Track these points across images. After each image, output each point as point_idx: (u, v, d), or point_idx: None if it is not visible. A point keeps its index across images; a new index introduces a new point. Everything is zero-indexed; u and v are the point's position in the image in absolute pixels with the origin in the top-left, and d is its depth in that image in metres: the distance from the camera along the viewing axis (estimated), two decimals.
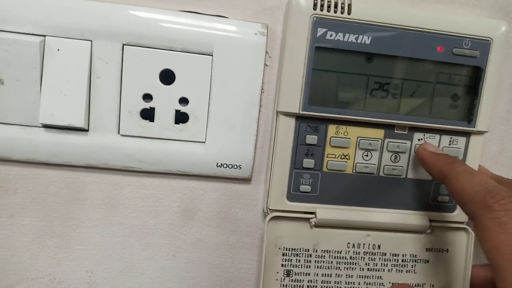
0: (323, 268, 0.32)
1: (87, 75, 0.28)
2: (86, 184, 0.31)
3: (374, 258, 0.32)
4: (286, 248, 0.31)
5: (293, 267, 0.32)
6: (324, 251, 0.32)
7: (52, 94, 0.28)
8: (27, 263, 0.32)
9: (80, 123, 0.28)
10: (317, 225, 0.31)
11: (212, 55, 0.29)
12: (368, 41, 0.28)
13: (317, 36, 0.28)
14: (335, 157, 0.30)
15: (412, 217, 0.32)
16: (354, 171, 0.31)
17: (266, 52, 0.30)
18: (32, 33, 0.27)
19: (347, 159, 0.31)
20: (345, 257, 0.32)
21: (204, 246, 0.33)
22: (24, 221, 0.31)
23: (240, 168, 0.31)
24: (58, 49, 0.28)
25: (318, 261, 0.32)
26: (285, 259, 0.31)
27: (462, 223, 0.33)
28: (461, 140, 0.31)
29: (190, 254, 0.33)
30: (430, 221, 0.32)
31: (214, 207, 0.32)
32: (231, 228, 0.33)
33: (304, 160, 0.30)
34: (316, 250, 0.32)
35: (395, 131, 0.31)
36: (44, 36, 0.28)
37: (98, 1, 0.28)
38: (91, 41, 0.28)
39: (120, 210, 0.32)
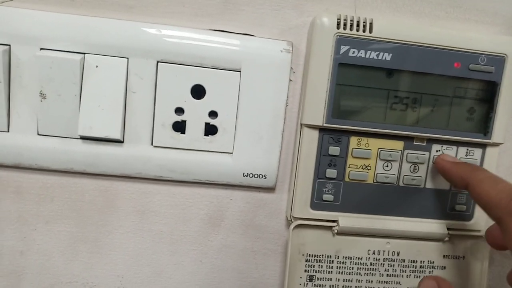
0: (344, 273, 0.33)
1: (124, 90, 0.30)
2: (119, 192, 0.33)
3: (393, 265, 0.34)
4: (309, 255, 0.33)
5: (315, 272, 0.33)
6: (346, 257, 0.33)
7: (91, 108, 0.30)
8: (62, 267, 0.34)
9: (116, 135, 0.30)
10: (339, 233, 0.32)
11: (240, 71, 0.31)
12: (388, 58, 0.30)
13: (340, 53, 0.30)
14: (356, 168, 0.32)
15: (430, 226, 0.33)
16: (375, 181, 0.32)
17: (291, 68, 0.31)
18: (73, 51, 0.29)
19: (368, 169, 0.32)
20: (366, 263, 0.33)
21: (230, 252, 0.34)
22: (60, 227, 0.33)
23: (266, 177, 0.32)
24: (97, 66, 0.29)
25: (340, 267, 0.33)
26: (308, 264, 0.33)
27: (478, 231, 0.34)
28: (477, 152, 0.33)
29: (216, 260, 0.34)
30: (448, 229, 0.33)
31: (239, 214, 0.34)
32: (255, 235, 0.34)
33: (327, 170, 0.32)
34: (338, 256, 0.33)
35: (414, 143, 0.32)
36: (84, 53, 0.29)
37: (134, 21, 0.30)
38: (128, 58, 0.30)
39: (151, 217, 0.33)
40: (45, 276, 0.34)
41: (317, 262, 0.33)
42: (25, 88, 0.30)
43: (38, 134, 0.30)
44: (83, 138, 0.31)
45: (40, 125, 0.30)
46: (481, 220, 0.34)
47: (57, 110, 0.30)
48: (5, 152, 0.30)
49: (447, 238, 0.33)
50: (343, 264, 0.33)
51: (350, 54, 0.30)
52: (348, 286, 0.33)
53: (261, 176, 0.32)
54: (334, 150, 0.31)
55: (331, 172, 0.32)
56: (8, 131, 0.30)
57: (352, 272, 0.33)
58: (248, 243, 0.34)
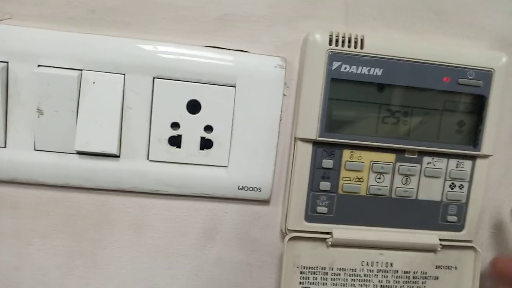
0: (338, 285, 0.34)
1: (120, 106, 0.30)
2: (115, 207, 0.33)
3: (387, 276, 0.34)
4: (304, 267, 0.33)
5: (310, 284, 0.33)
6: (340, 269, 0.33)
7: (87, 123, 0.30)
8: (58, 282, 0.34)
9: (113, 150, 0.30)
10: (333, 245, 0.33)
11: (235, 87, 0.31)
12: (379, 73, 0.31)
13: (333, 69, 0.30)
14: (350, 180, 0.32)
15: (422, 237, 0.34)
16: (368, 193, 0.33)
17: (285, 83, 0.32)
18: (70, 67, 0.30)
19: (361, 181, 0.33)
20: (360, 274, 0.34)
21: (225, 265, 0.35)
22: (56, 242, 0.33)
23: (260, 190, 0.33)
24: (94, 82, 0.30)
25: (334, 278, 0.33)
26: (303, 276, 0.33)
27: (470, 241, 0.34)
28: (467, 164, 0.33)
29: (212, 273, 0.35)
30: (440, 240, 0.34)
31: (234, 227, 0.34)
32: (250, 248, 0.35)
33: (321, 183, 0.32)
34: (332, 268, 0.33)
35: (406, 155, 0.33)
36: (81, 70, 0.30)
37: (131, 38, 0.30)
38: (124, 74, 0.30)
39: (147, 232, 0.33)
40: None
41: (311, 274, 0.33)
42: (22, 104, 0.30)
43: (35, 150, 0.31)
44: (80, 153, 0.31)
45: (37, 140, 0.30)
46: (472, 231, 0.34)
47: (54, 126, 0.30)
48: (2, 168, 0.31)
49: (439, 249, 0.34)
50: (337, 275, 0.33)
51: (342, 69, 0.30)
52: None
53: (256, 189, 0.33)
54: (327, 163, 0.32)
55: (325, 185, 0.32)
56: (5, 147, 0.30)
57: (346, 284, 0.34)
58: (243, 256, 0.35)
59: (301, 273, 0.33)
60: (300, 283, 0.33)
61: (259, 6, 0.31)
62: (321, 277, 0.33)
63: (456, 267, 0.35)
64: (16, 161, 0.31)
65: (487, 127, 0.33)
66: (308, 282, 0.33)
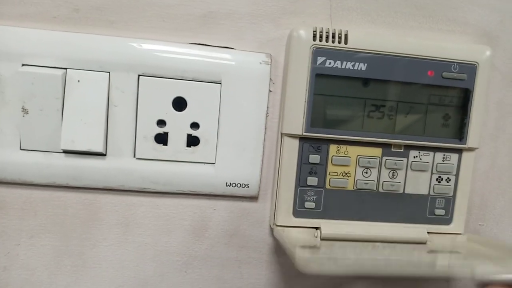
0: None
1: (105, 104, 0.30)
2: (102, 205, 0.33)
3: None
4: None
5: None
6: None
7: (73, 122, 0.30)
8: (46, 282, 0.33)
9: (99, 148, 0.30)
10: (322, 239, 0.33)
11: (220, 83, 0.31)
12: (364, 68, 0.31)
13: (317, 64, 0.30)
14: (337, 175, 0.33)
15: (410, 230, 0.34)
16: (355, 188, 0.33)
17: (270, 79, 0.32)
18: (55, 66, 0.30)
19: (348, 176, 0.33)
20: None
21: (214, 262, 0.35)
22: (43, 241, 0.33)
23: (248, 186, 0.33)
24: (79, 81, 0.30)
25: None
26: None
27: (458, 234, 0.35)
28: (454, 157, 0.33)
29: (201, 270, 0.35)
30: (428, 233, 0.34)
31: (223, 224, 0.34)
32: (239, 244, 0.35)
33: (308, 178, 0.32)
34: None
35: (392, 149, 0.33)
36: (66, 69, 0.30)
37: (115, 36, 0.30)
38: (109, 72, 0.30)
39: (135, 229, 0.33)
40: None
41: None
42: (7, 103, 0.30)
43: (20, 149, 0.31)
44: (66, 152, 0.31)
45: (22, 140, 0.30)
46: (461, 224, 0.35)
47: (40, 125, 0.30)
48: None
49: (428, 242, 0.34)
50: None
51: (327, 65, 0.31)
52: None
53: (243, 186, 0.33)
54: (314, 158, 0.32)
55: (312, 180, 0.32)
56: None
57: None
58: (233, 252, 0.35)
59: None
60: None
61: (243, 3, 0.31)
62: None
63: None
64: (2, 161, 0.30)
65: (473, 120, 0.33)
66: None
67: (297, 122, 0.31)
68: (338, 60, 0.31)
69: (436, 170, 0.34)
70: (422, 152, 0.33)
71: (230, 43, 0.32)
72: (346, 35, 0.31)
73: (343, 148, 0.32)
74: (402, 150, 0.33)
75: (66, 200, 0.32)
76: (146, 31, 0.31)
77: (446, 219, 0.35)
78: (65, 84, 0.30)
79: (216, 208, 0.34)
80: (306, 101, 0.31)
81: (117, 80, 0.30)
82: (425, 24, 0.34)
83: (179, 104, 0.31)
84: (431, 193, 0.34)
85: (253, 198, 0.34)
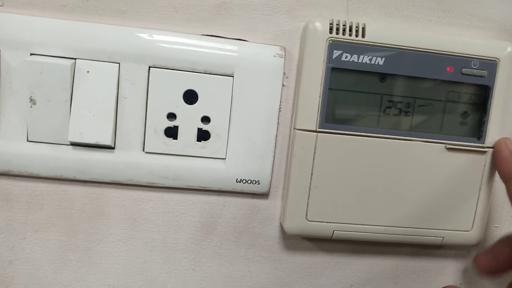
0: None
1: (115, 95, 0.30)
2: (110, 200, 0.32)
3: None
4: None
5: None
6: None
7: (81, 113, 0.29)
8: (51, 277, 0.33)
9: (107, 141, 0.29)
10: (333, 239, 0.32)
11: (233, 76, 0.30)
12: (381, 62, 0.30)
13: (333, 58, 0.29)
14: None
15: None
16: None
17: (284, 73, 0.31)
18: (64, 56, 0.29)
19: None
20: None
21: (223, 260, 0.34)
22: (49, 235, 0.32)
23: (259, 183, 0.32)
24: (88, 71, 0.29)
25: None
26: None
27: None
28: None
29: (209, 268, 0.34)
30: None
31: (233, 221, 0.33)
32: (249, 242, 0.34)
33: None
34: None
35: None
36: (75, 59, 0.29)
37: (126, 26, 0.30)
38: (119, 63, 0.29)
39: (142, 225, 0.33)
40: (34, 286, 0.33)
41: None
42: (15, 93, 0.29)
43: (27, 141, 0.30)
44: (74, 144, 0.30)
45: (29, 131, 0.30)
46: (481, 226, 0.34)
47: (47, 116, 0.29)
48: None
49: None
50: None
51: (343, 58, 0.30)
52: None
53: (254, 182, 0.32)
54: None
55: None
56: None
57: None
58: (242, 250, 0.34)
59: None
60: None
61: None
62: None
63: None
64: (8, 153, 0.30)
65: (492, 118, 0.32)
66: None
67: (311, 118, 0.30)
68: (355, 54, 0.30)
69: None
70: None
71: (243, 35, 0.31)
72: (363, 28, 0.30)
73: None
74: None
75: (73, 194, 0.32)
76: (157, 21, 0.30)
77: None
78: (74, 74, 0.29)
79: (225, 205, 0.33)
80: (321, 96, 0.30)
81: (127, 71, 0.30)
82: (444, 19, 0.33)
83: (190, 97, 0.30)
84: None
85: (264, 195, 0.33)
